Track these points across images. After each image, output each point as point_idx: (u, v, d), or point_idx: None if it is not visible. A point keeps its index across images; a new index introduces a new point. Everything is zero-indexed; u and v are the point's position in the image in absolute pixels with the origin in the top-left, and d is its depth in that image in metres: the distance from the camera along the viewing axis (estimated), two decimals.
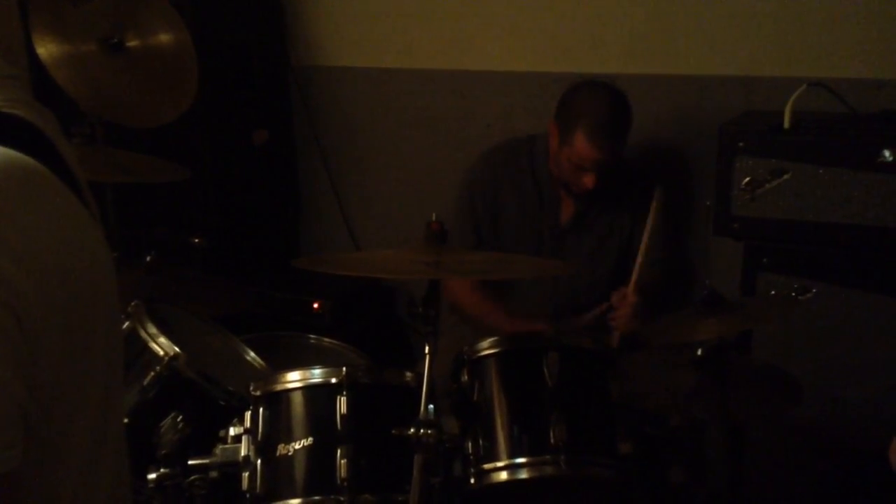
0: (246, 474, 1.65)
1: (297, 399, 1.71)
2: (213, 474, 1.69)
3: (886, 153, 2.06)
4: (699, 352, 1.86)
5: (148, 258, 2.25)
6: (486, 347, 1.83)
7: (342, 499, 1.60)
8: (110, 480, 0.90)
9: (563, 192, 2.49)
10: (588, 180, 2.35)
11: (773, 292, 2.24)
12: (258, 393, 1.71)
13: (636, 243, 2.57)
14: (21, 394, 0.71)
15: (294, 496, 1.63)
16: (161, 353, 1.83)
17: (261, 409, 1.70)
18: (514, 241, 2.54)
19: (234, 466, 1.67)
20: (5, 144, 0.75)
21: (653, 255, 2.58)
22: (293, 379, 1.71)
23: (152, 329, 1.87)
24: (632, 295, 2.28)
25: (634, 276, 2.29)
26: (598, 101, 2.36)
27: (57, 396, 0.77)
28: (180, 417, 1.76)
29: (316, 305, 2.93)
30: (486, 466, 1.73)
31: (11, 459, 0.72)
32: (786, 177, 2.17)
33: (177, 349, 1.84)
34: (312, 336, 2.50)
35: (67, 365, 0.77)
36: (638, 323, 2.28)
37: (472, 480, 1.73)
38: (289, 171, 3.38)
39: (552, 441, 1.69)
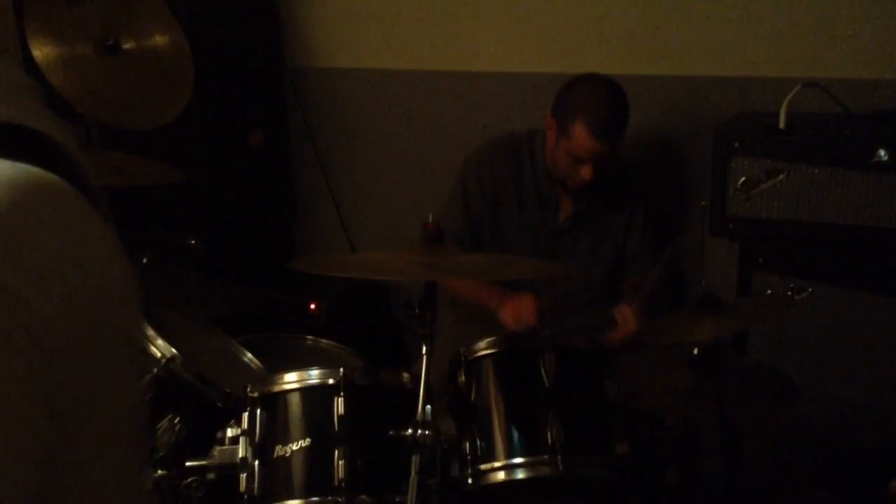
0: (243, 476, 1.65)
1: (295, 400, 1.71)
2: (211, 476, 1.68)
3: (881, 153, 2.06)
4: (695, 352, 1.87)
5: (144, 260, 2.24)
6: (483, 348, 1.83)
7: (340, 500, 1.60)
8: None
9: (562, 190, 2.49)
10: (586, 172, 2.35)
11: (768, 292, 2.25)
12: (255, 394, 1.71)
13: (632, 244, 2.58)
14: (43, 427, 0.66)
15: (292, 497, 1.63)
16: (158, 354, 1.83)
17: (258, 411, 1.69)
18: (511, 237, 2.55)
19: (231, 468, 1.66)
20: (26, 160, 0.72)
21: (645, 261, 2.60)
22: (290, 380, 1.71)
23: (149, 331, 1.87)
24: (633, 321, 2.27)
25: (637, 304, 2.28)
26: (597, 93, 2.36)
27: (80, 424, 0.71)
28: (177, 419, 1.76)
29: (312, 306, 2.93)
30: (484, 467, 1.73)
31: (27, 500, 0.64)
32: (781, 177, 2.17)
33: (173, 351, 1.84)
34: (309, 337, 2.50)
35: (92, 391, 0.73)
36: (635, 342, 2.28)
37: (470, 481, 1.73)
38: (284, 172, 3.38)
39: (549, 441, 1.69)
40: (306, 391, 1.71)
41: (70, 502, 0.71)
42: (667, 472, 2.21)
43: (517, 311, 2.30)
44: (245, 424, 1.70)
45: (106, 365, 0.74)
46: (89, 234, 0.75)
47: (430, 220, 1.75)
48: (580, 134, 2.31)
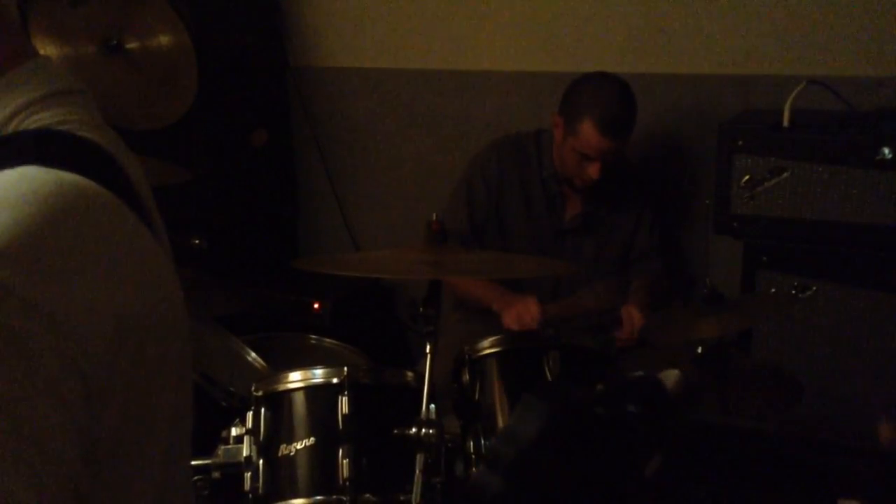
0: (248, 475, 1.65)
1: (299, 399, 1.71)
2: (216, 475, 1.68)
3: (885, 151, 2.06)
4: (699, 350, 1.87)
5: None
6: (487, 347, 1.83)
7: (344, 499, 1.60)
8: None
9: (569, 189, 2.49)
10: (593, 170, 2.35)
11: (772, 290, 2.25)
12: (260, 393, 1.71)
13: (637, 245, 2.58)
14: (76, 467, 0.61)
15: (296, 496, 1.63)
16: None
17: (262, 410, 1.70)
18: (516, 237, 2.55)
19: (236, 467, 1.67)
20: (78, 172, 0.68)
21: (650, 262, 2.60)
22: (294, 379, 1.71)
23: None
24: (639, 320, 2.28)
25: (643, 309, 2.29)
26: (605, 90, 2.36)
27: (118, 455, 0.67)
28: None
29: (316, 306, 2.93)
30: None
31: None
32: (785, 175, 2.17)
33: None
34: (313, 336, 2.50)
35: (132, 420, 0.68)
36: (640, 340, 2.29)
37: None
38: (288, 171, 3.38)
39: None
40: (310, 390, 1.71)
41: (124, 492, 0.67)
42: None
43: (520, 314, 2.30)
44: (249, 423, 1.70)
45: (148, 396, 0.69)
46: (139, 253, 0.71)
47: (434, 218, 1.75)
48: (588, 131, 2.31)
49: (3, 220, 0.60)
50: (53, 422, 0.59)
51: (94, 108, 0.78)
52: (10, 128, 0.72)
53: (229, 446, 1.70)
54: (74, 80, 0.78)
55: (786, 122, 2.19)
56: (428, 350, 1.67)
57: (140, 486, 0.72)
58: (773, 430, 1.66)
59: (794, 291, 2.21)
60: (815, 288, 2.21)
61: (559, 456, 1.11)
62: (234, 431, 1.71)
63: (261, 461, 1.66)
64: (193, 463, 1.68)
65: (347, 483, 1.60)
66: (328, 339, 2.48)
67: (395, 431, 1.62)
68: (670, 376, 1.92)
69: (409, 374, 1.78)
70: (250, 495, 1.65)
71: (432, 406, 1.63)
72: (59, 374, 0.60)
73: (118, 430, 0.66)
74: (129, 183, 0.74)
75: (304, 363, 1.80)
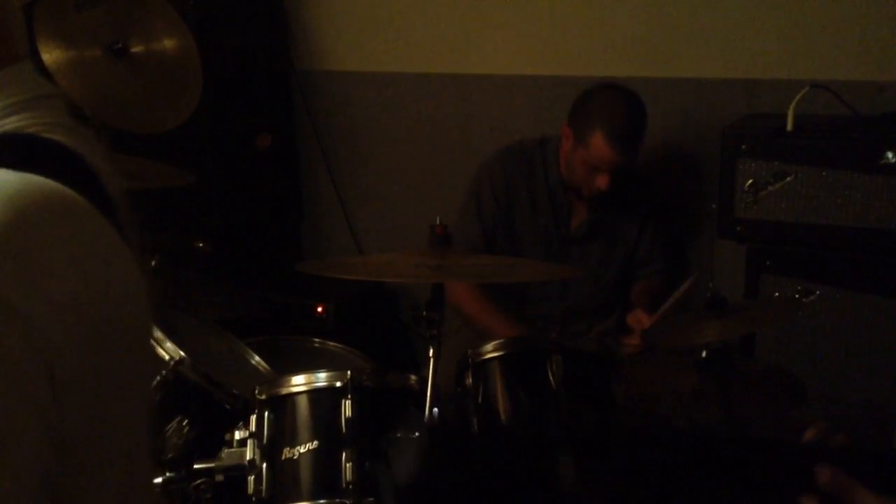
0: (251, 478, 1.65)
1: (303, 402, 1.71)
2: (219, 478, 1.69)
3: (889, 155, 2.06)
4: (703, 354, 1.87)
5: (153, 263, 2.25)
6: (490, 350, 1.83)
7: (347, 502, 1.60)
8: None
9: (575, 197, 2.48)
10: (602, 182, 2.35)
11: (776, 294, 2.24)
12: (263, 396, 1.72)
13: (641, 251, 2.59)
14: (47, 458, 0.64)
15: (299, 499, 1.63)
16: (166, 357, 1.84)
17: (266, 413, 1.70)
18: (524, 243, 2.55)
19: (239, 470, 1.67)
20: (44, 174, 0.69)
21: (654, 266, 2.60)
22: (298, 382, 1.71)
23: (157, 334, 1.88)
24: (648, 326, 2.28)
25: (660, 312, 2.29)
26: (615, 102, 2.36)
27: (84, 453, 0.70)
28: (186, 421, 1.76)
29: (320, 309, 2.93)
30: None
31: None
32: (789, 179, 2.17)
33: (182, 353, 1.84)
34: (317, 339, 2.50)
35: (98, 419, 0.71)
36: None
37: None
38: (292, 175, 3.39)
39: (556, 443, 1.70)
40: (314, 393, 1.71)
41: (88, 493, 0.69)
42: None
43: None
44: (253, 426, 1.70)
45: (114, 391, 0.72)
46: (104, 253, 0.72)
47: (438, 222, 1.75)
48: (598, 143, 2.31)
49: None
50: (20, 418, 0.61)
51: (65, 111, 0.80)
52: None
53: (233, 449, 1.70)
54: (47, 85, 0.81)
55: (790, 127, 2.19)
56: (431, 353, 1.67)
57: (103, 489, 0.73)
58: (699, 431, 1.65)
59: (797, 295, 2.21)
60: (818, 292, 2.20)
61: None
62: (237, 435, 1.71)
63: (264, 464, 1.66)
64: (198, 466, 1.69)
65: (351, 486, 1.60)
66: (332, 343, 2.48)
67: (399, 435, 1.62)
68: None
69: (413, 377, 1.78)
70: (254, 499, 1.65)
71: (435, 409, 1.63)
72: (28, 372, 0.61)
73: (85, 428, 0.68)
74: (96, 183, 0.75)
75: (308, 366, 1.80)
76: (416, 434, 1.49)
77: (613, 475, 1.54)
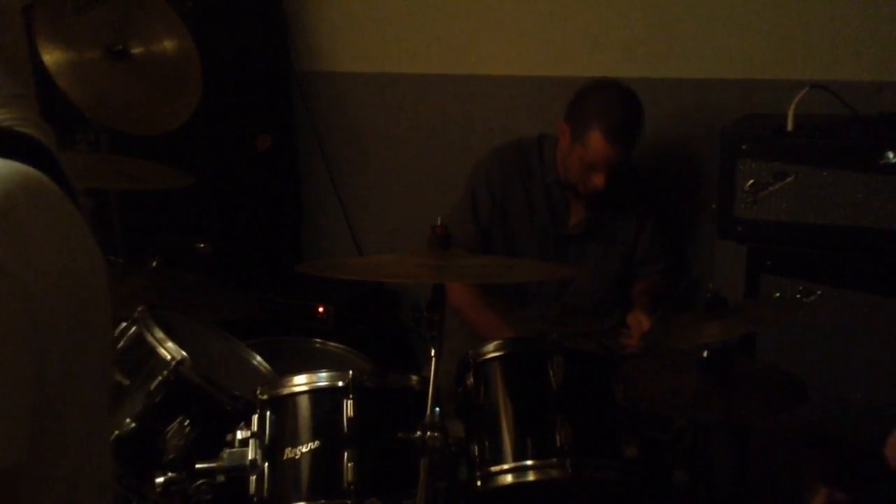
0: (253, 478, 1.65)
1: (304, 403, 1.71)
2: (220, 478, 1.68)
3: (889, 155, 2.06)
4: (703, 354, 1.87)
5: (153, 264, 2.25)
6: (491, 351, 1.83)
7: (348, 502, 1.60)
8: (96, 490, 0.95)
9: (572, 196, 2.49)
10: (598, 180, 2.35)
11: (776, 294, 2.25)
12: (265, 397, 1.72)
13: (640, 250, 2.59)
14: (35, 389, 0.78)
15: (300, 500, 1.64)
16: (167, 357, 1.84)
17: (267, 413, 1.70)
18: (520, 242, 2.55)
19: (240, 470, 1.67)
20: (21, 161, 0.82)
21: (654, 266, 2.60)
22: (299, 383, 1.71)
23: (159, 334, 1.88)
24: (648, 326, 2.29)
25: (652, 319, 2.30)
26: (612, 100, 2.36)
27: (58, 394, 0.83)
28: (187, 422, 1.76)
29: (320, 310, 2.94)
30: (492, 469, 1.73)
31: (19, 451, 0.78)
32: (789, 179, 2.17)
33: (183, 354, 1.84)
34: (317, 340, 2.50)
35: (69, 364, 0.84)
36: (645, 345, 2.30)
37: (478, 483, 1.73)
38: (292, 176, 3.39)
39: (558, 444, 1.69)
40: (315, 394, 1.71)
41: (55, 445, 0.84)
42: (674, 475, 2.21)
43: None
44: (254, 427, 1.70)
45: (82, 341, 0.87)
46: (70, 226, 0.87)
47: (439, 223, 1.75)
48: (595, 140, 2.31)
49: None
50: (15, 355, 0.76)
51: (33, 109, 0.94)
52: None
53: (234, 450, 1.70)
54: (17, 85, 0.94)
55: (789, 127, 2.20)
56: (432, 354, 1.67)
57: (74, 420, 0.88)
58: None
59: (798, 295, 2.22)
60: (819, 292, 2.21)
61: None
62: (238, 435, 1.71)
63: (265, 465, 1.66)
64: (199, 466, 1.69)
65: (352, 487, 1.60)
66: (332, 343, 2.48)
67: (400, 435, 1.62)
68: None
69: (414, 377, 1.78)
70: (255, 499, 1.65)
71: (437, 410, 1.63)
72: (19, 320, 0.76)
73: (60, 366, 0.82)
74: (61, 172, 0.90)
75: (309, 367, 1.81)
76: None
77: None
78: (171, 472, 1.69)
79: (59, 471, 0.88)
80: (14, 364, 0.76)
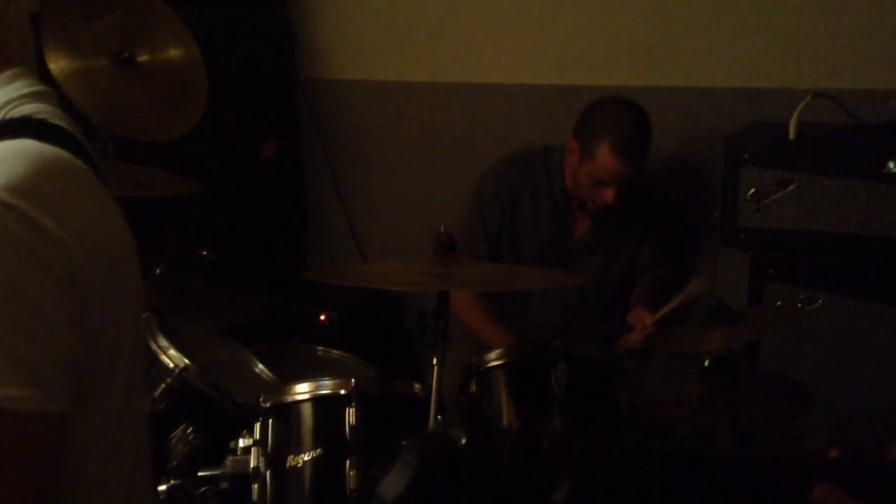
0: (256, 486, 1.66)
1: (307, 410, 1.71)
2: (224, 485, 1.69)
3: (891, 164, 2.06)
4: (707, 362, 1.87)
5: (157, 271, 2.26)
6: (495, 358, 1.83)
7: None
8: (131, 458, 1.04)
9: (578, 208, 2.48)
10: (609, 195, 2.35)
11: (779, 302, 2.25)
12: (268, 404, 1.72)
13: (643, 259, 2.59)
14: (75, 346, 0.87)
15: None
16: (171, 364, 1.84)
17: (270, 421, 1.70)
18: (526, 252, 2.55)
19: (244, 478, 1.67)
20: (56, 145, 0.92)
21: (655, 272, 2.60)
22: (302, 390, 1.71)
23: (162, 341, 1.89)
24: (650, 325, 2.29)
25: (663, 311, 2.29)
26: (622, 115, 2.36)
27: (96, 355, 0.91)
28: (190, 429, 1.77)
29: (323, 317, 2.94)
30: None
31: (64, 401, 0.87)
32: (791, 187, 2.17)
33: (187, 361, 1.85)
34: (321, 347, 2.51)
35: (106, 327, 0.92)
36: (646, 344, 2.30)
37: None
38: (297, 183, 3.40)
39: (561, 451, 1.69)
40: (318, 401, 1.71)
41: (90, 405, 0.92)
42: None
43: None
44: (257, 434, 1.70)
45: (118, 307, 0.96)
46: (103, 201, 0.98)
47: (443, 230, 1.76)
48: (605, 157, 2.31)
49: (14, 168, 0.86)
50: (59, 307, 0.84)
51: (58, 105, 1.03)
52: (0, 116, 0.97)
53: (237, 457, 1.70)
54: (44, 84, 1.04)
55: (792, 135, 2.20)
56: (436, 361, 1.67)
57: (105, 406, 0.96)
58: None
59: (800, 304, 2.22)
60: (821, 300, 2.21)
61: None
62: (241, 442, 1.72)
63: (269, 472, 1.66)
64: (202, 473, 1.69)
65: (355, 494, 1.60)
66: (336, 351, 2.48)
67: (403, 443, 1.62)
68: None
69: (417, 385, 1.78)
70: None
71: (440, 417, 1.63)
72: (61, 277, 0.85)
73: (97, 320, 0.90)
74: (93, 161, 0.99)
75: (312, 374, 1.80)
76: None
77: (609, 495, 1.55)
78: (175, 478, 1.70)
79: (99, 428, 0.95)
80: (59, 323, 0.84)
